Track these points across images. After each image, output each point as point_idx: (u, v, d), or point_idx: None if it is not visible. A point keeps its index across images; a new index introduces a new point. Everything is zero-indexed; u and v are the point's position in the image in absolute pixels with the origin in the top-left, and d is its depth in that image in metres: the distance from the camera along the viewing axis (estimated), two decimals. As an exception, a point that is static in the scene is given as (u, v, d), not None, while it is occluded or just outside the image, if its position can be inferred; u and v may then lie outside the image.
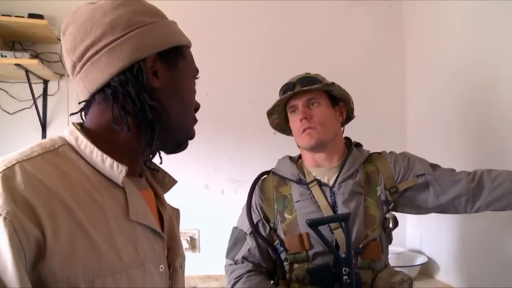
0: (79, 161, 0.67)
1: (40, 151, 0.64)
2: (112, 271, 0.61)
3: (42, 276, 0.55)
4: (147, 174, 0.86)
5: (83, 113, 0.77)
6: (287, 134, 1.54)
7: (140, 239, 0.69)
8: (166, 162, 0.85)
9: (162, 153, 0.82)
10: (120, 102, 0.70)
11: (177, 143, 0.81)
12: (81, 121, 0.76)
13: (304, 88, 1.34)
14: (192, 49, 0.85)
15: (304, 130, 1.36)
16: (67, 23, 0.73)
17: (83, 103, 0.76)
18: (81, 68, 0.72)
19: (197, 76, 0.84)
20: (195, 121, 0.83)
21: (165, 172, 0.89)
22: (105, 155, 0.67)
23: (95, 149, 0.67)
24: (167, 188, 0.89)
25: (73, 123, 0.73)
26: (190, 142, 0.84)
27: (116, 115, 0.71)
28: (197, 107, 0.84)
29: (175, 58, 0.76)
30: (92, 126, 0.73)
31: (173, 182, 0.90)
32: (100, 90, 0.71)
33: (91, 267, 0.59)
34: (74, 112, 0.78)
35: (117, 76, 0.70)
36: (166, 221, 0.81)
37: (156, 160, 0.84)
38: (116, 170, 0.67)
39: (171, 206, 0.89)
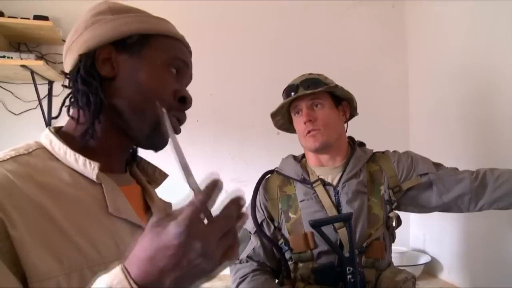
0: (54, 163, 0.68)
1: (13, 154, 0.65)
2: (90, 264, 0.62)
3: (25, 270, 0.56)
4: (134, 170, 0.87)
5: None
6: (291, 132, 1.54)
7: (121, 233, 0.69)
8: (169, 161, 0.85)
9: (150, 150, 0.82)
10: (71, 96, 0.75)
11: (145, 135, 0.76)
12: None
13: (308, 92, 1.35)
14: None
15: (309, 132, 1.36)
16: None
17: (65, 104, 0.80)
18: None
19: (177, 65, 0.79)
20: (172, 109, 0.76)
21: (156, 167, 0.90)
22: (77, 154, 0.69)
23: (68, 150, 0.69)
24: (158, 183, 0.90)
25: (48, 127, 0.75)
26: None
27: (69, 106, 0.76)
28: (181, 95, 0.78)
29: (138, 47, 0.75)
30: (67, 128, 0.76)
31: (164, 176, 0.90)
32: None
33: (66, 261, 0.59)
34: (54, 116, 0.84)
35: (70, 73, 0.76)
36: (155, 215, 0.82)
37: (152, 156, 0.85)
38: (89, 167, 0.68)
39: (163, 200, 0.90)
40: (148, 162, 0.89)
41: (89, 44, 0.73)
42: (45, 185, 0.63)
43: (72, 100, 0.75)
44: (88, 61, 0.73)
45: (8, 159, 0.64)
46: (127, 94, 0.74)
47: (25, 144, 0.70)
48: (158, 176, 0.90)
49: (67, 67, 0.77)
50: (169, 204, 0.91)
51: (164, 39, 0.79)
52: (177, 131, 0.78)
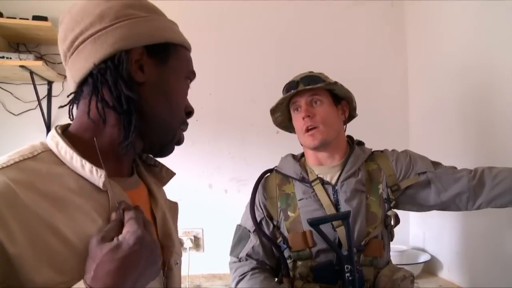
0: (60, 167, 0.66)
1: (17, 159, 0.63)
2: None
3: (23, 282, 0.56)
4: (141, 170, 0.85)
5: (74, 108, 0.76)
6: (291, 132, 1.55)
7: None
8: (169, 161, 0.86)
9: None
10: (100, 93, 0.69)
11: (161, 144, 0.78)
12: (70, 122, 0.76)
13: (307, 87, 1.36)
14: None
15: (307, 129, 1.37)
16: (63, 15, 0.74)
17: (72, 96, 0.75)
18: (70, 57, 0.72)
19: (192, 79, 0.82)
20: (183, 123, 0.80)
21: (162, 165, 0.88)
22: (84, 160, 0.66)
23: (75, 155, 0.66)
24: (164, 181, 0.89)
25: (55, 127, 0.72)
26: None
27: (93, 106, 0.70)
28: (189, 110, 0.81)
29: (165, 55, 0.75)
30: (76, 127, 0.73)
31: (170, 174, 0.88)
32: (86, 81, 0.71)
33: (69, 273, 0.58)
34: (62, 105, 0.77)
35: (98, 65, 0.69)
36: (158, 219, 0.81)
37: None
38: (95, 174, 0.66)
39: (169, 200, 0.88)
40: (155, 160, 0.87)
41: (128, 42, 0.70)
42: (48, 194, 0.61)
43: (100, 99, 0.69)
44: (125, 61, 0.69)
45: (11, 164, 0.62)
46: (155, 102, 0.74)
47: (30, 146, 0.67)
48: (165, 175, 0.88)
49: (93, 56, 0.69)
50: (175, 204, 0.90)
51: (184, 50, 0.80)
52: (181, 142, 0.81)
